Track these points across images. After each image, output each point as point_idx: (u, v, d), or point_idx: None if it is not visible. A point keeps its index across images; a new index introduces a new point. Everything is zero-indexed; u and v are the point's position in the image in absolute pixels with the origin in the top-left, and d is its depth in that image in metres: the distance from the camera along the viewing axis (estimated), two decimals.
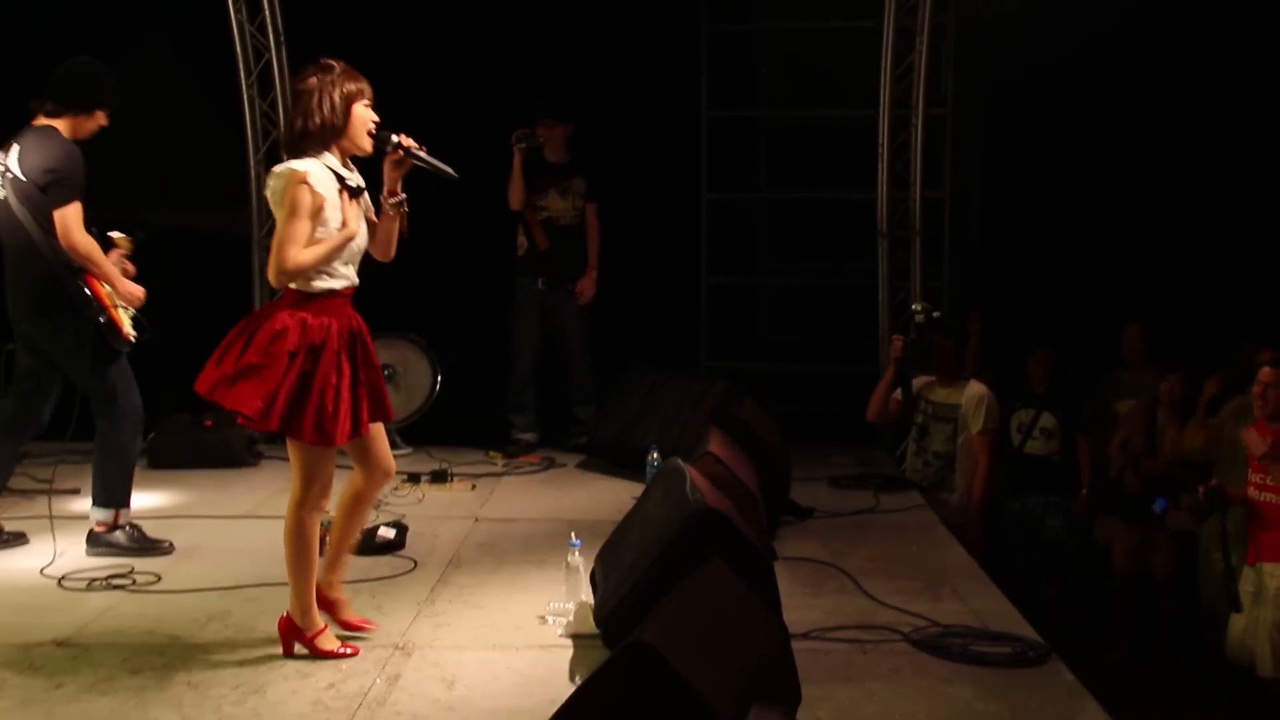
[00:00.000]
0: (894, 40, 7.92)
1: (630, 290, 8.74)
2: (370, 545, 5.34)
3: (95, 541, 5.34)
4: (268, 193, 4.03)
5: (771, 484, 5.62)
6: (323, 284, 4.01)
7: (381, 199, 4.18)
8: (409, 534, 5.56)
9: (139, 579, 4.96)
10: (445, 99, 8.16)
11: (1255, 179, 8.07)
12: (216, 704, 3.80)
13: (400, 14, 8.22)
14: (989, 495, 6.62)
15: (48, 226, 5.08)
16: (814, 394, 8.91)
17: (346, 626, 4.35)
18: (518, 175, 7.38)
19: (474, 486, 6.72)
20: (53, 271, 5.12)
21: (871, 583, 4.97)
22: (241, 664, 4.11)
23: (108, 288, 5.24)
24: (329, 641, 4.16)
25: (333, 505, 4.31)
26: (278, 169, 3.98)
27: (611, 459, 7.12)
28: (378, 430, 4.27)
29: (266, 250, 6.76)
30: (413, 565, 5.20)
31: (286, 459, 7.39)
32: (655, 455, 5.83)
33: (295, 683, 3.97)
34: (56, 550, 5.21)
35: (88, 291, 5.15)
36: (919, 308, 6.82)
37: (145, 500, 6.15)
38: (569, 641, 4.30)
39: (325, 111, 4.00)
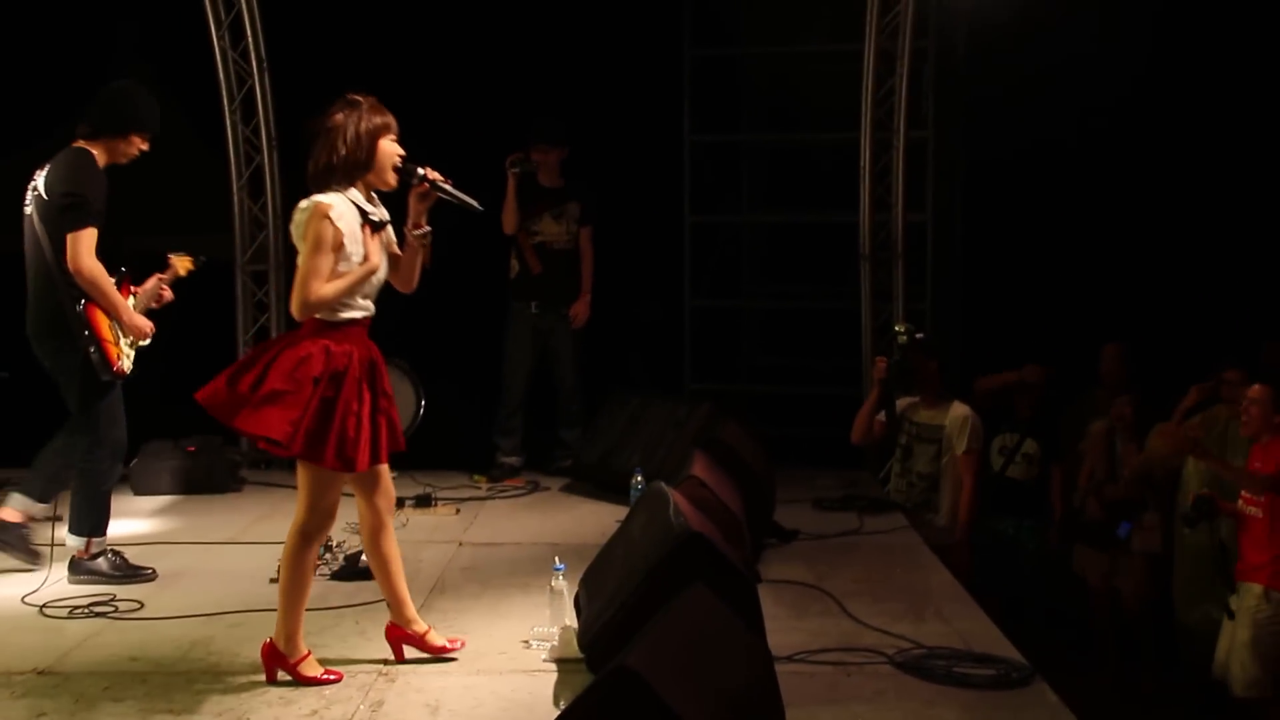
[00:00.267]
0: (875, 64, 7.98)
1: (644, 313, 8.79)
2: (354, 570, 5.33)
3: (77, 569, 5.31)
4: (292, 226, 4.05)
5: (755, 507, 5.62)
6: (344, 314, 4.04)
7: (406, 231, 4.21)
8: None
9: (121, 606, 4.94)
10: (435, 124, 8.15)
11: (1233, 199, 8.13)
12: None
13: (386, 40, 8.25)
14: (974, 516, 6.63)
15: (60, 248, 5.06)
16: (798, 416, 8.92)
17: (441, 651, 4.33)
18: (511, 200, 7.37)
19: (458, 510, 6.71)
20: (58, 294, 5.11)
21: (856, 605, 4.97)
22: (225, 692, 4.09)
23: (113, 318, 5.20)
24: (312, 668, 4.14)
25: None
26: (303, 203, 4.01)
27: (596, 482, 7.12)
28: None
29: (249, 276, 6.82)
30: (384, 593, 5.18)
31: (270, 485, 7.50)
32: (639, 478, 5.83)
33: (279, 709, 3.95)
34: (46, 578, 5.19)
35: (85, 319, 5.11)
36: (902, 329, 6.82)
37: (127, 526, 6.13)
38: (553, 666, 4.29)
39: (350, 147, 4.04)
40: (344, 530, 6.09)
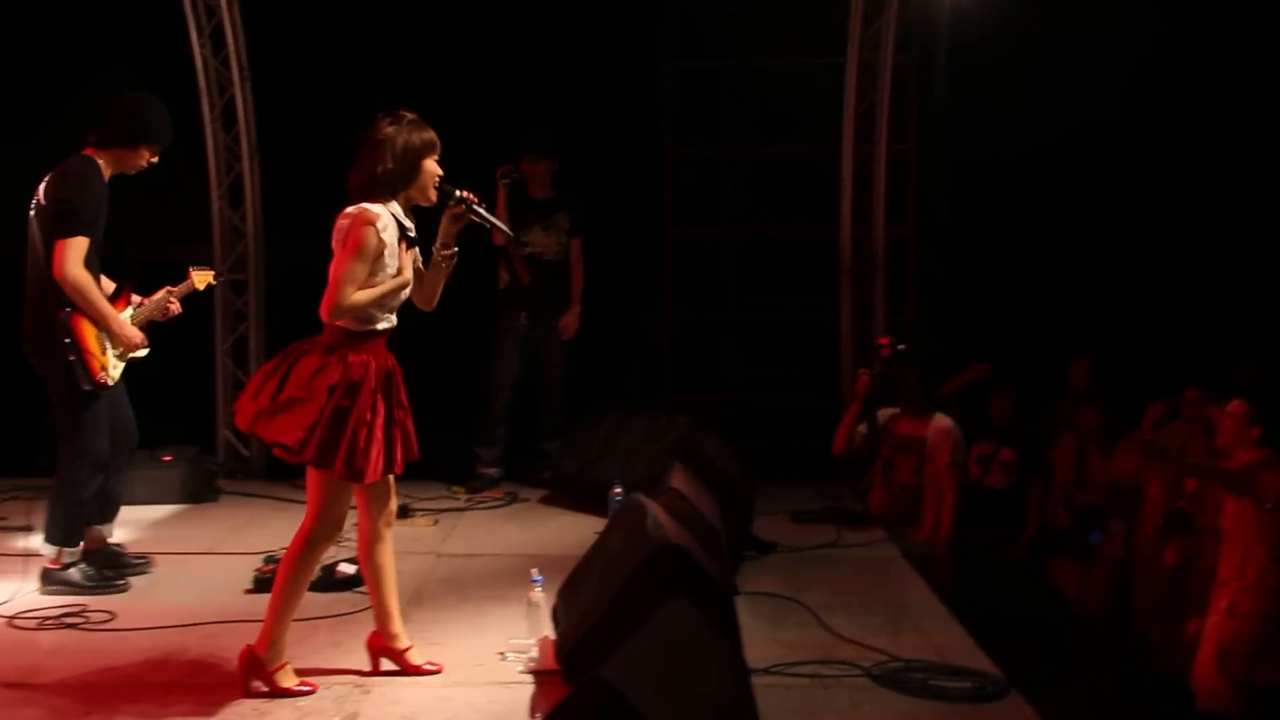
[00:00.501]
0: (857, 77, 8.01)
1: (649, 323, 8.80)
2: (330, 581, 5.30)
3: (48, 579, 5.26)
4: (335, 231, 4.03)
5: (734, 518, 5.63)
6: (368, 324, 4.05)
7: (434, 250, 4.22)
8: None
9: (93, 617, 4.89)
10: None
11: (1205, 218, 8.19)
12: None
13: (368, 50, 8.23)
14: (957, 529, 6.64)
15: (51, 255, 5.05)
16: (777, 428, 8.92)
17: (419, 671, 4.30)
18: (501, 210, 7.35)
19: (436, 521, 6.68)
20: (47, 300, 5.10)
21: (833, 617, 4.97)
22: (199, 703, 4.06)
23: (101, 328, 5.17)
24: (288, 678, 4.12)
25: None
26: (349, 210, 4.01)
27: (575, 494, 7.10)
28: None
29: (228, 285, 6.69)
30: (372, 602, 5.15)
31: (246, 495, 7.46)
32: (618, 490, 5.81)
33: None
34: (18, 589, 5.15)
35: (68, 327, 5.08)
36: (884, 342, 6.87)
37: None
38: (530, 678, 4.27)
39: (398, 161, 4.05)
40: None
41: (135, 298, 5.47)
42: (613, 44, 8.59)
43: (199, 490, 7.20)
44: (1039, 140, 8.19)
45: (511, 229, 7.39)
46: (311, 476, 4.08)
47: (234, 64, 7.99)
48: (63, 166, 5.16)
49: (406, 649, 4.33)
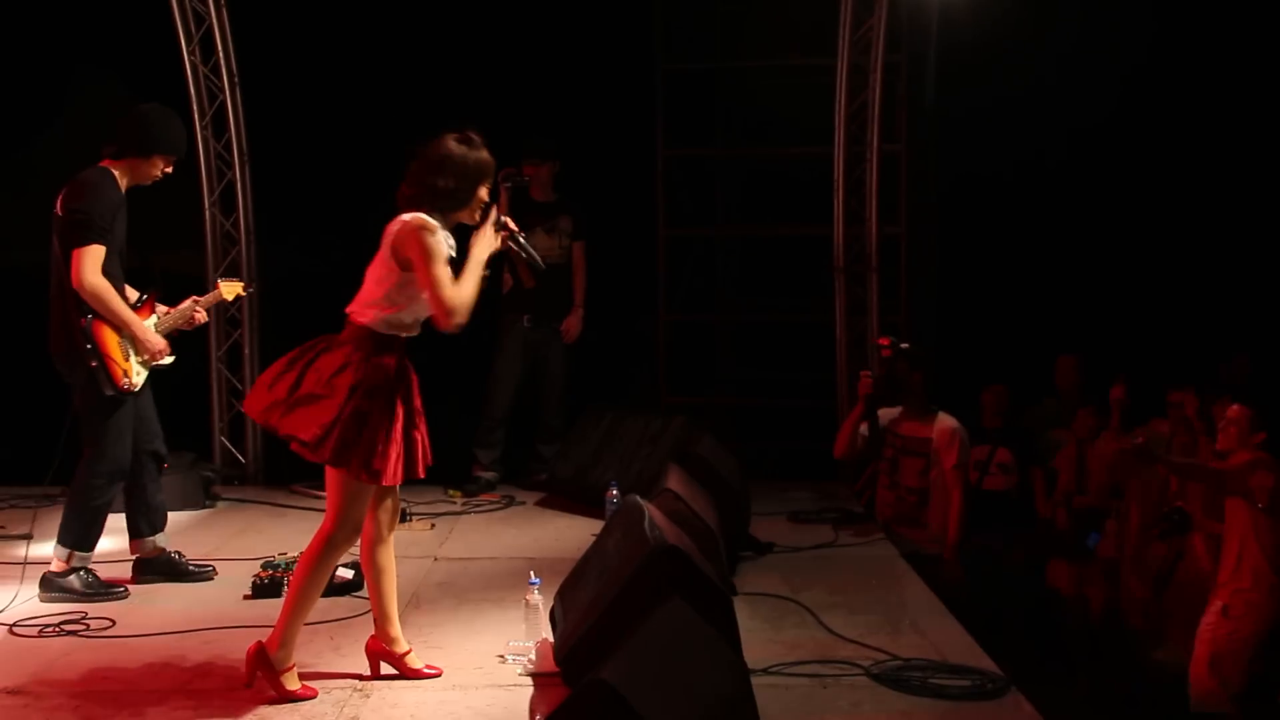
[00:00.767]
0: (848, 78, 8.03)
1: (644, 325, 8.80)
2: (329, 586, 5.26)
3: (48, 586, 5.25)
4: (394, 240, 4.01)
5: (731, 519, 5.63)
6: (394, 330, 4.06)
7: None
8: None
9: (92, 624, 4.89)
10: (410, 138, 8.17)
11: (1200, 211, 8.23)
12: None
13: (358, 55, 8.24)
14: (965, 531, 6.53)
15: (69, 264, 5.12)
16: (773, 429, 8.94)
17: (417, 675, 4.30)
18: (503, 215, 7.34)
19: (433, 525, 6.68)
20: (69, 309, 5.16)
21: (831, 617, 4.97)
22: (198, 709, 4.06)
23: (124, 334, 5.22)
24: (292, 681, 4.10)
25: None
26: (408, 218, 4.01)
27: (571, 496, 7.11)
28: None
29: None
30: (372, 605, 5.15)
31: (244, 501, 7.46)
32: (614, 492, 5.81)
33: None
34: (15, 595, 5.14)
35: (90, 334, 5.13)
36: (885, 343, 6.77)
37: (100, 543, 6.06)
38: (529, 680, 4.28)
39: (458, 180, 4.08)
40: None
41: (160, 307, 5.52)
42: (603, 47, 8.61)
43: (197, 497, 7.20)
44: (1030, 138, 8.22)
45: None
46: (331, 479, 4.08)
47: (224, 71, 7.99)
48: (78, 178, 5.23)
49: (405, 653, 4.33)
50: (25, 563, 5.33)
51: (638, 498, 4.54)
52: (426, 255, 3.95)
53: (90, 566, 5.39)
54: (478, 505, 7.21)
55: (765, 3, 8.79)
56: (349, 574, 5.30)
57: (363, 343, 4.03)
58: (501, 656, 4.49)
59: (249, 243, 8.15)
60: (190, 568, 5.62)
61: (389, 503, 4.28)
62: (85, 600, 5.19)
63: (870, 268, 8.15)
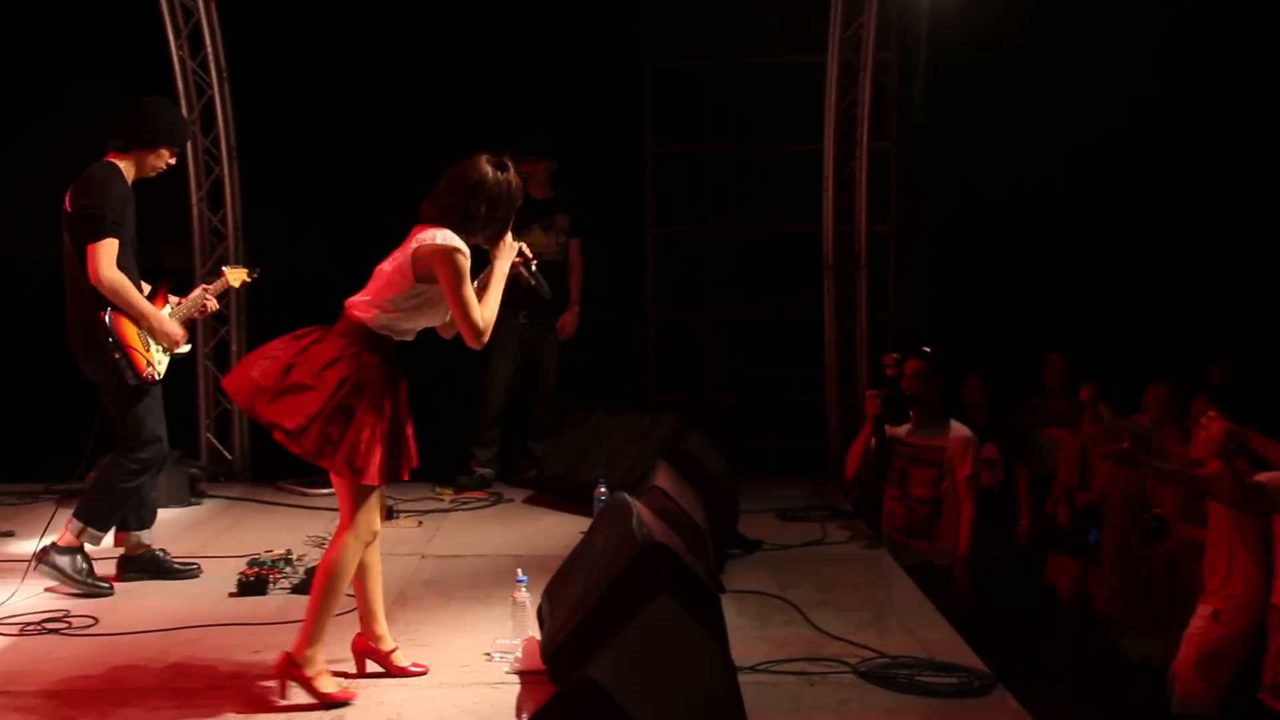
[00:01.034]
0: (838, 75, 8.02)
1: (633, 322, 8.79)
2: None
3: (44, 556, 5.24)
4: (417, 250, 4.00)
5: (719, 517, 5.62)
6: (389, 333, 4.05)
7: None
8: None
9: (75, 622, 4.85)
10: (399, 133, 8.18)
11: (1186, 210, 8.24)
12: None
13: (348, 50, 8.20)
14: (977, 543, 6.30)
15: (84, 260, 5.18)
16: (762, 426, 8.93)
17: (404, 673, 4.28)
18: None
19: (420, 523, 6.66)
20: (87, 304, 5.22)
21: (819, 615, 4.96)
22: (182, 707, 4.03)
23: (143, 325, 5.29)
24: (327, 684, 4.05)
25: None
26: (436, 235, 4.00)
27: (559, 493, 7.10)
28: None
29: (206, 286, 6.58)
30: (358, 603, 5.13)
31: (229, 499, 7.44)
32: (603, 490, 5.80)
33: None
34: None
35: (110, 327, 5.20)
36: (890, 360, 6.53)
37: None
38: (516, 678, 4.26)
39: (489, 206, 4.12)
40: (304, 543, 6.06)
41: (172, 297, 5.58)
42: (593, 44, 8.58)
43: (182, 494, 7.16)
44: (1018, 138, 8.21)
45: (512, 229, 7.40)
46: (338, 485, 4.06)
47: (212, 66, 7.95)
48: (85, 174, 5.28)
49: (392, 650, 4.31)
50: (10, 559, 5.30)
51: (626, 495, 4.53)
52: (459, 278, 3.98)
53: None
54: (465, 503, 7.19)
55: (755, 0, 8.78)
56: None
57: (357, 338, 4.01)
58: (488, 654, 4.48)
59: (237, 239, 8.11)
60: (175, 565, 5.60)
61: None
62: (69, 584, 5.20)
63: (859, 265, 8.15)
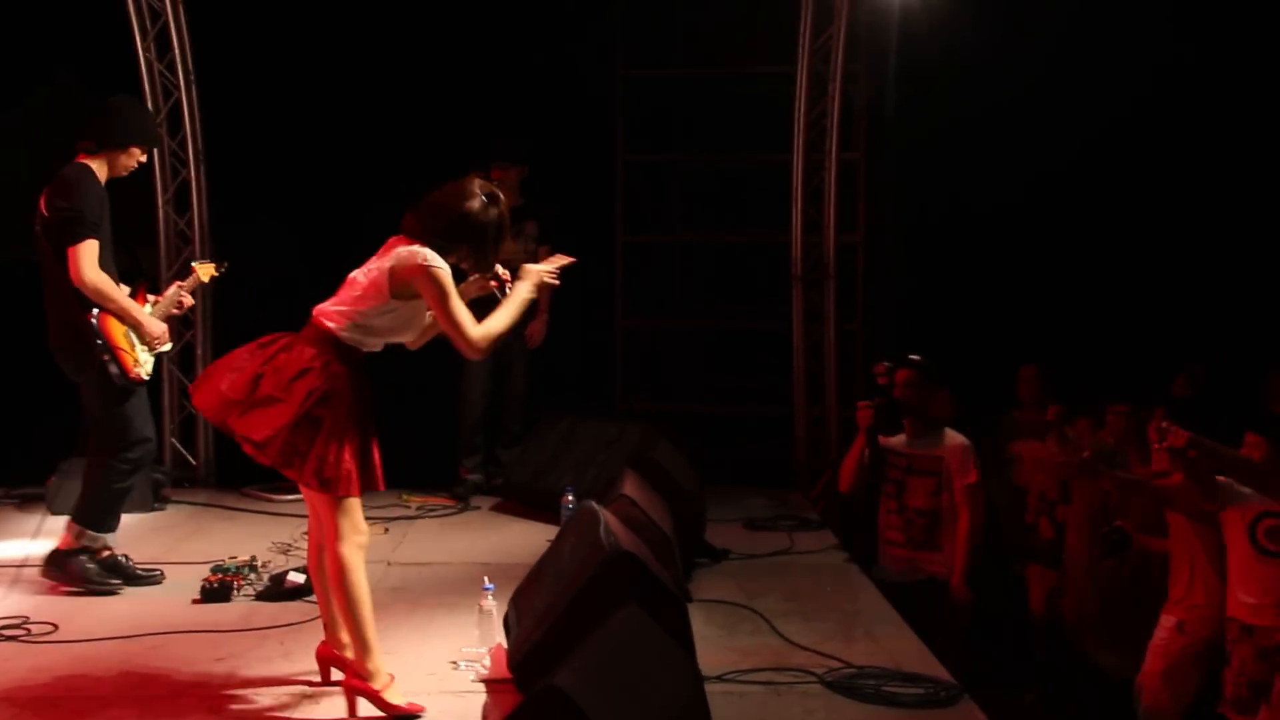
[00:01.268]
0: (807, 86, 8.05)
1: (601, 330, 8.78)
2: (279, 591, 5.24)
3: (53, 562, 5.32)
4: (396, 263, 3.95)
5: (686, 526, 5.62)
6: (357, 345, 4.00)
7: None
8: None
9: (34, 629, 4.79)
10: (368, 137, 8.15)
11: (1163, 222, 8.31)
12: None
13: (317, 52, 8.17)
14: (976, 554, 6.13)
15: (64, 263, 5.18)
16: (730, 435, 8.93)
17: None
18: None
19: (386, 530, 6.62)
20: (70, 308, 5.22)
21: (786, 624, 4.97)
22: (142, 716, 4.00)
23: (127, 323, 5.32)
24: (396, 695, 4.00)
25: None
26: (416, 249, 3.95)
27: (527, 501, 7.07)
28: None
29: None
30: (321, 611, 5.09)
31: (193, 504, 7.38)
32: (570, 498, 5.79)
33: None
34: None
35: (97, 329, 5.22)
36: (882, 370, 6.38)
37: (46, 546, 5.96)
38: (482, 687, 4.24)
39: (474, 237, 4.08)
40: (269, 550, 6.02)
41: (150, 296, 5.62)
42: (564, 52, 8.58)
43: (145, 499, 7.08)
44: (988, 148, 8.26)
45: None
46: (313, 496, 4.02)
47: (179, 68, 7.89)
48: (59, 177, 5.28)
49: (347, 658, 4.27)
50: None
51: (593, 503, 4.51)
52: (444, 295, 3.95)
53: (102, 552, 5.42)
54: (431, 510, 7.16)
55: (726, 10, 8.80)
56: (300, 578, 5.24)
57: (326, 348, 3.96)
58: (455, 662, 4.46)
59: (203, 242, 8.05)
60: (138, 571, 5.54)
61: None
62: (85, 585, 5.26)
63: (827, 275, 8.18)
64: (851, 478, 6.41)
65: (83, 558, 5.32)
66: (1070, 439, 6.45)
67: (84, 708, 4.04)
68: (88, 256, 5.15)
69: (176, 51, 7.86)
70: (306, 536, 4.32)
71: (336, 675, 4.24)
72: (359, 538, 4.03)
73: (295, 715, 4.00)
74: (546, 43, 8.48)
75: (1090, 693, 6.28)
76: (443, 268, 3.95)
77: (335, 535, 3.99)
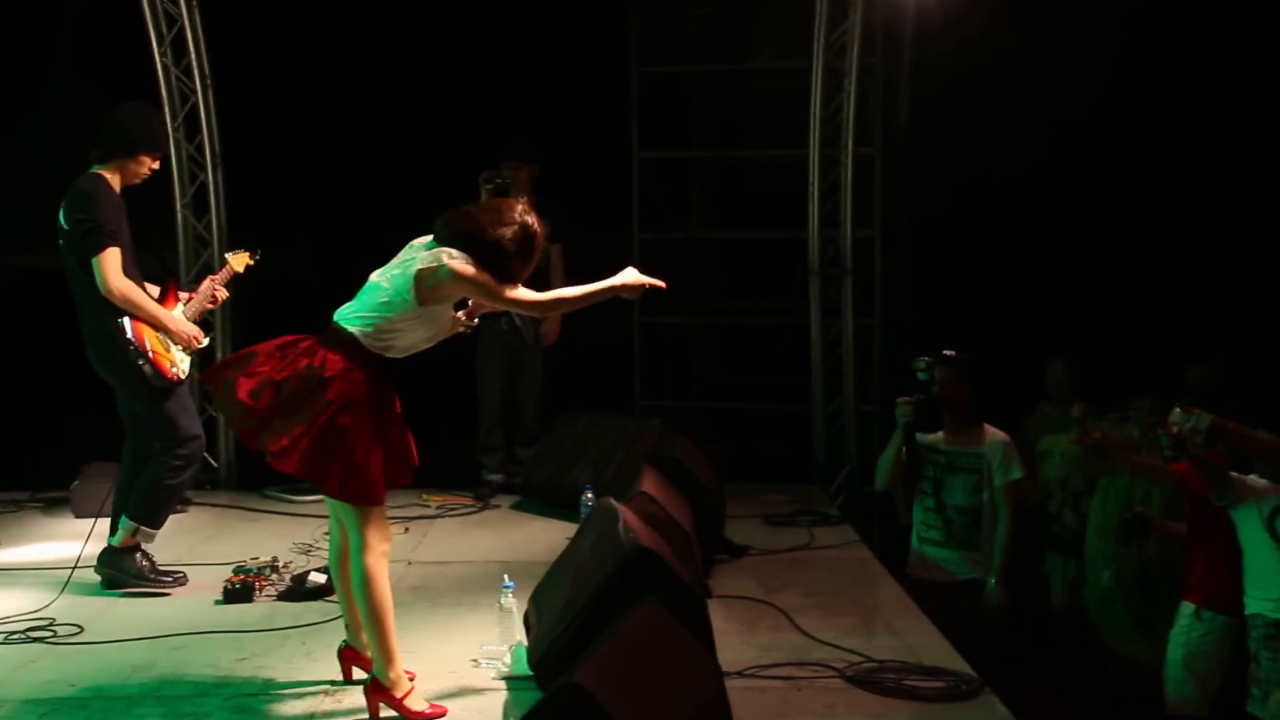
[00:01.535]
0: (823, 81, 8.03)
1: (619, 328, 8.79)
2: (300, 591, 5.26)
3: (108, 559, 5.41)
4: (424, 260, 3.93)
5: (705, 522, 5.62)
6: (380, 350, 3.98)
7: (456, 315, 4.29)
8: None
9: (60, 630, 4.83)
10: (384, 139, 8.18)
11: (1184, 214, 8.27)
12: None
13: (332, 56, 8.20)
14: (1016, 552, 5.99)
15: (89, 274, 5.24)
16: (748, 431, 8.92)
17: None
18: None
19: (406, 529, 6.64)
20: (102, 317, 5.28)
21: (806, 619, 4.97)
22: (167, 716, 4.02)
23: (158, 328, 5.38)
24: (417, 703, 4.01)
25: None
26: (448, 256, 3.93)
27: (545, 499, 7.09)
28: None
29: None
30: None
31: (215, 506, 7.41)
32: (589, 495, 5.80)
33: None
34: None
35: (129, 335, 5.28)
36: (923, 364, 6.12)
37: (70, 549, 6.01)
38: (503, 684, 4.26)
39: (513, 257, 4.05)
40: (290, 551, 6.04)
41: (182, 294, 5.67)
42: (579, 50, 8.58)
43: None
44: (1005, 142, 8.23)
45: None
46: (341, 510, 4.03)
47: (196, 72, 7.92)
48: (74, 188, 5.33)
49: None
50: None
51: (612, 500, 4.52)
52: (483, 286, 3.97)
53: (147, 550, 5.50)
54: (451, 509, 7.18)
55: (740, 5, 8.79)
56: (322, 578, 5.27)
57: (347, 354, 3.93)
58: (475, 660, 4.47)
59: (222, 245, 8.08)
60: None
61: None
62: (138, 583, 5.36)
63: (845, 271, 8.16)
64: (892, 476, 6.18)
65: (136, 555, 5.42)
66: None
67: (110, 708, 4.08)
68: (112, 265, 5.21)
69: (193, 56, 7.88)
70: (327, 537, 4.34)
71: (359, 674, 4.27)
72: (383, 546, 4.03)
73: (318, 714, 4.02)
74: (561, 41, 8.48)
75: (1116, 681, 6.27)
76: (466, 264, 3.92)
77: (359, 544, 4.00)
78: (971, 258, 8.56)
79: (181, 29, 7.83)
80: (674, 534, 4.72)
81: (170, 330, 5.41)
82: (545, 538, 6.36)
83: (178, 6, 7.78)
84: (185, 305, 5.62)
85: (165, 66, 7.87)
